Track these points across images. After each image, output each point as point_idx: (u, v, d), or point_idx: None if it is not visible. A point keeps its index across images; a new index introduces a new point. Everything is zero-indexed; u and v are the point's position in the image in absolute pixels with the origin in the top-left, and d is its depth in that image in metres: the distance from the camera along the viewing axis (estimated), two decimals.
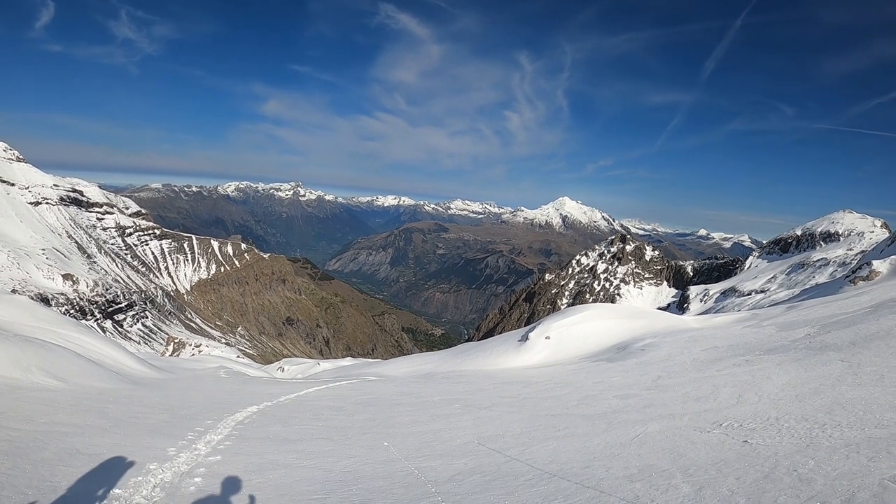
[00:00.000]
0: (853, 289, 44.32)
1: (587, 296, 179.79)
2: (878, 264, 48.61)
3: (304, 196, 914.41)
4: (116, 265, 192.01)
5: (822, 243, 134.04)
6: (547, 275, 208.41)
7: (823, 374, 14.55)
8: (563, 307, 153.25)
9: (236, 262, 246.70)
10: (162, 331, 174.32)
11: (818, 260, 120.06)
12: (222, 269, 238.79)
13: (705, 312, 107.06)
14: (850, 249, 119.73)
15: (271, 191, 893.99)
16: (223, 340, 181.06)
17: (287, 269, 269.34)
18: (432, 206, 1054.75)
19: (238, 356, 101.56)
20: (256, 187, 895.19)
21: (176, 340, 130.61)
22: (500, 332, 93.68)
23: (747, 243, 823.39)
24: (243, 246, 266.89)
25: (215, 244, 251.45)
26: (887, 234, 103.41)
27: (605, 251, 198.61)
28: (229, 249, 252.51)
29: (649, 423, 12.48)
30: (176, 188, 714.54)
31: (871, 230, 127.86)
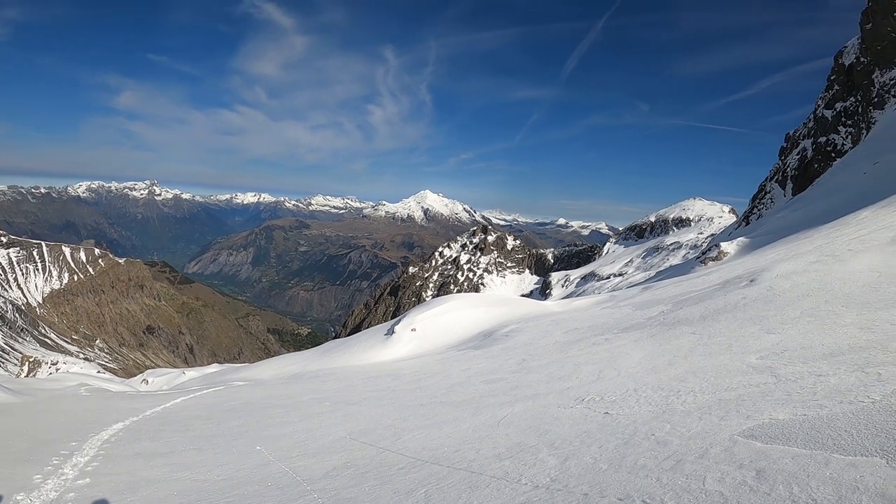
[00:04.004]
0: (704, 268, 46.46)
1: (451, 287, 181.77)
2: (725, 246, 51.08)
3: (159, 195, 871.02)
4: None
5: (674, 228, 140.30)
6: (411, 268, 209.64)
7: (677, 346, 15.24)
8: (427, 299, 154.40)
9: (90, 270, 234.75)
10: (15, 350, 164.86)
11: (671, 244, 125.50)
12: (76, 278, 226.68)
13: (567, 297, 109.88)
14: (701, 233, 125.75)
15: (125, 190, 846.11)
16: (81, 355, 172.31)
17: (144, 273, 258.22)
18: (293, 202, 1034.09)
19: (99, 371, 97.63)
20: (109, 187, 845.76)
21: (31, 359, 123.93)
22: (367, 327, 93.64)
23: (605, 230, 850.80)
24: (97, 251, 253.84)
25: (67, 250, 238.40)
26: (734, 219, 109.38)
27: (468, 242, 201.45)
28: (82, 256, 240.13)
29: (516, 404, 12.78)
30: (23, 190, 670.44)
31: (720, 215, 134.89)
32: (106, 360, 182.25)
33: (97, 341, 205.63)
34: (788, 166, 67.90)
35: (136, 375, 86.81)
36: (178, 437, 14.75)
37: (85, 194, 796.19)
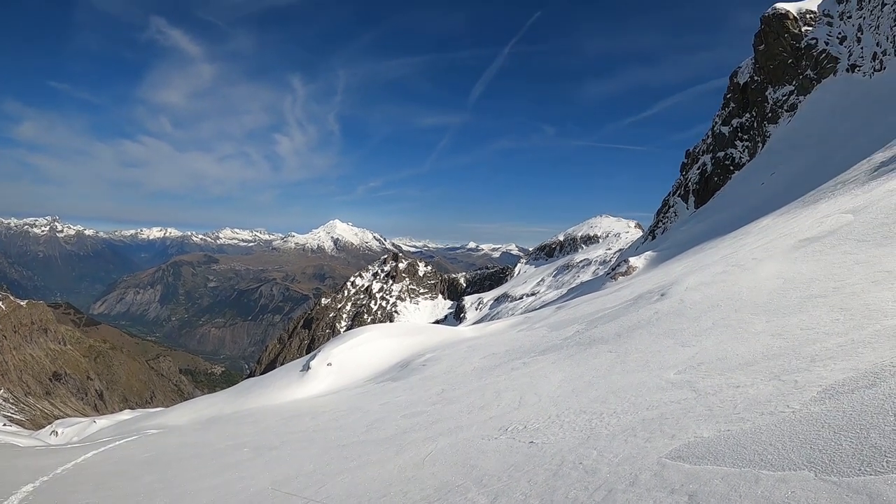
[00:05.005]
0: (614, 284, 47.19)
1: (365, 316, 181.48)
2: (634, 260, 52.06)
3: (61, 232, 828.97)
4: None
5: (583, 246, 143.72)
6: (323, 299, 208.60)
7: (595, 366, 15.25)
8: (342, 330, 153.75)
9: None
10: None
11: (581, 261, 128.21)
12: None
13: (481, 320, 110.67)
14: (609, 249, 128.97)
15: (25, 227, 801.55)
16: None
17: (48, 316, 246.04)
18: (200, 236, 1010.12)
19: (5, 424, 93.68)
20: (8, 223, 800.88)
21: None
22: (282, 362, 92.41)
23: (515, 252, 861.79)
24: None
25: None
26: (640, 234, 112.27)
27: (379, 271, 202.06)
28: None
29: (439, 439, 12.55)
30: None
31: (627, 230, 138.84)
32: (12, 411, 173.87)
33: (1, 391, 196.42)
34: (690, 181, 70.13)
35: (44, 426, 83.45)
36: (92, 497, 14.04)
37: None
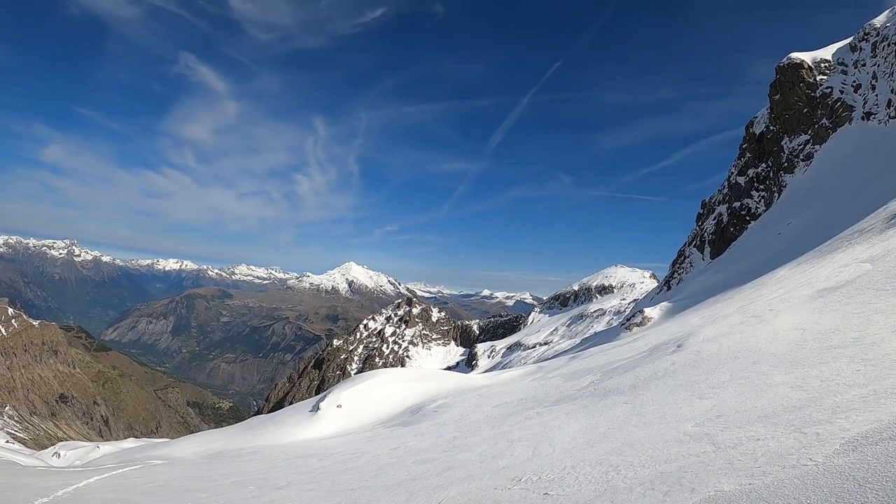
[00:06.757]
0: (629, 335, 46.82)
1: (377, 359, 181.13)
2: (649, 311, 51.70)
3: (79, 256, 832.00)
4: None
5: (598, 296, 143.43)
6: (335, 340, 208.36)
7: (610, 417, 15.00)
8: (352, 372, 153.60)
9: (3, 330, 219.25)
10: None
11: (595, 311, 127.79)
12: None
13: (493, 368, 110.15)
14: (624, 299, 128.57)
15: (43, 248, 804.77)
16: None
17: (59, 338, 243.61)
18: (216, 270, 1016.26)
19: (7, 441, 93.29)
20: (27, 243, 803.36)
21: None
22: (291, 402, 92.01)
23: (529, 300, 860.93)
24: (11, 311, 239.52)
25: None
26: (655, 284, 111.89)
27: (393, 315, 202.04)
28: None
29: (450, 487, 12.28)
30: None
31: (642, 281, 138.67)
32: (16, 428, 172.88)
33: (7, 408, 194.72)
34: (706, 231, 70.02)
35: (47, 447, 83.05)
36: None
37: (2, 249, 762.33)
